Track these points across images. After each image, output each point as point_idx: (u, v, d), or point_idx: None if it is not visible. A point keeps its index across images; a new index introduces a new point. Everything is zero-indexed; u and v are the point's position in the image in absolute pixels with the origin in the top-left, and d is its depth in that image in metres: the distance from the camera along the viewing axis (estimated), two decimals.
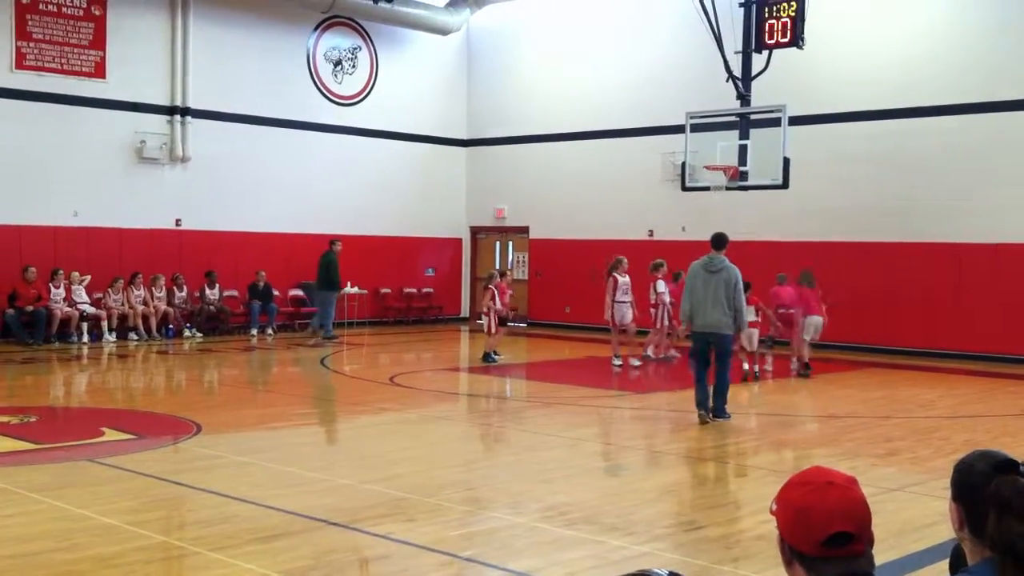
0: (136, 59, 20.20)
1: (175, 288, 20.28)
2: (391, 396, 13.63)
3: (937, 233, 18.47)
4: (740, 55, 16.87)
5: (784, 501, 2.16)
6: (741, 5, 16.79)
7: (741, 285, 11.25)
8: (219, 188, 21.16)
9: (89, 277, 19.08)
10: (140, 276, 19.52)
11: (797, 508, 2.12)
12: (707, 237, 11.83)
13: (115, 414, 11.66)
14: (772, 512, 2.19)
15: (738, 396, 12.92)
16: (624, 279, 16.37)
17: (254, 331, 20.69)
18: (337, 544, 6.49)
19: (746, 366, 14.88)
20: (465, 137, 25.85)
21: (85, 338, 18.65)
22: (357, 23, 23.68)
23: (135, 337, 19.29)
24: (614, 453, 10.16)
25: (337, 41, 23.47)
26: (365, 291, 22.80)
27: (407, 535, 6.59)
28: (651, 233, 22.14)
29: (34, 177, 18.84)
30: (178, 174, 20.82)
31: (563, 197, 23.68)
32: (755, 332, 14.93)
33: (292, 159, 22.36)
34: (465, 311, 25.82)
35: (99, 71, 19.73)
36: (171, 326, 20.02)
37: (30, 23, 18.86)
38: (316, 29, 23.05)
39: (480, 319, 17.91)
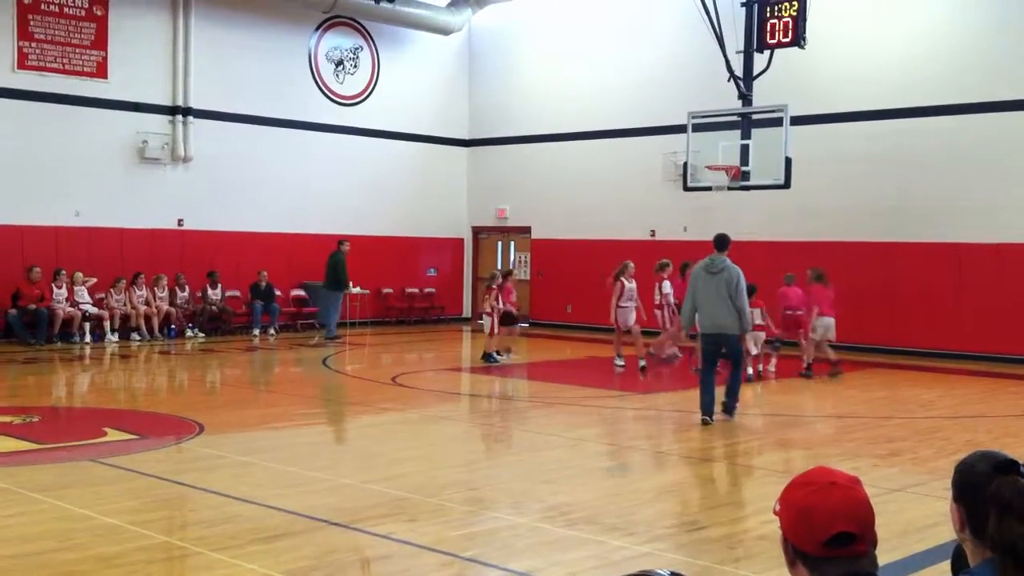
0: (138, 59, 20.21)
1: (177, 288, 20.29)
2: (393, 396, 13.64)
3: (938, 233, 18.47)
4: (742, 55, 16.87)
5: (787, 501, 2.16)
6: (743, 5, 16.80)
7: (744, 285, 11.24)
8: (221, 188, 21.17)
9: (95, 280, 19.11)
10: (142, 276, 19.53)
11: (800, 508, 2.13)
12: (709, 237, 11.83)
13: (117, 414, 11.67)
14: (776, 512, 2.20)
15: (741, 396, 12.89)
16: (630, 284, 16.34)
17: (256, 331, 20.71)
18: (339, 544, 6.50)
19: (750, 369, 14.88)
20: (467, 137, 25.85)
21: (87, 338, 18.66)
22: (358, 23, 23.68)
23: (137, 337, 19.30)
24: (616, 453, 10.16)
25: (339, 41, 23.48)
26: (367, 291, 22.81)
27: (409, 535, 6.59)
28: (653, 233, 22.14)
29: (36, 177, 18.86)
30: (180, 174, 20.84)
31: (565, 197, 23.68)
32: (760, 335, 14.93)
33: (294, 159, 22.37)
34: (467, 311, 25.82)
35: (101, 71, 19.74)
36: (173, 326, 20.03)
37: (32, 23, 18.87)
38: (318, 29, 23.06)
39: (481, 319, 17.90)
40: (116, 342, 18.88)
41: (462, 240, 26.05)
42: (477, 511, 7.46)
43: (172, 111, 20.73)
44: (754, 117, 16.74)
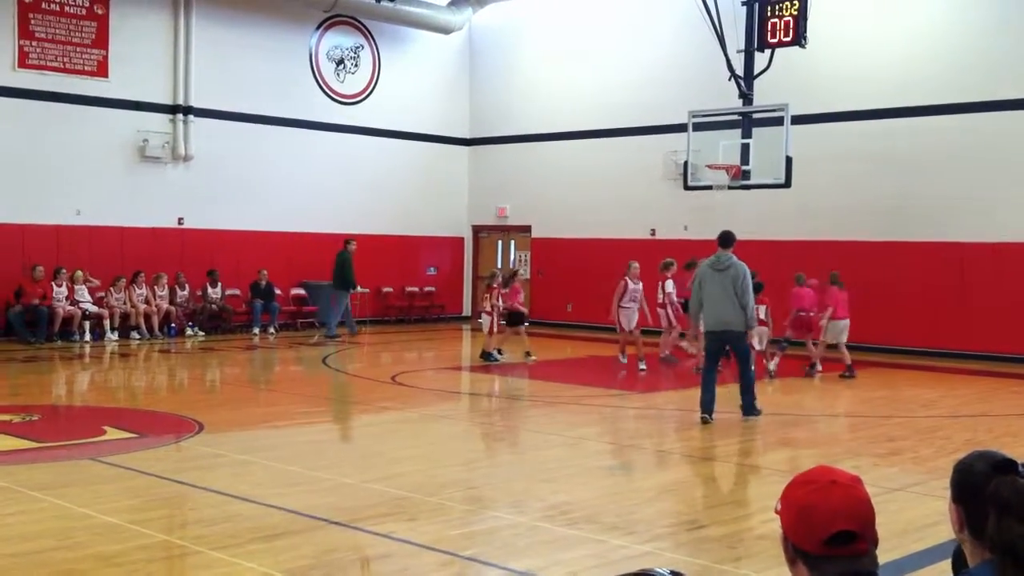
0: (139, 58, 20.21)
1: (177, 287, 20.29)
2: (393, 395, 13.64)
3: (939, 232, 18.46)
4: (742, 54, 16.86)
5: (788, 499, 2.16)
6: (743, 4, 16.79)
7: (749, 282, 11.24)
8: (221, 187, 21.17)
9: (98, 282, 19.12)
10: (142, 275, 19.53)
11: (800, 506, 2.12)
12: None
13: (117, 413, 11.66)
14: (777, 512, 2.19)
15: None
16: (634, 285, 16.29)
17: (256, 330, 20.71)
18: (338, 543, 6.49)
19: (770, 365, 14.86)
20: (467, 136, 25.85)
21: (87, 337, 18.66)
22: (359, 22, 23.68)
23: (137, 336, 19.30)
24: (616, 452, 10.16)
25: (339, 40, 23.47)
26: (367, 290, 22.81)
27: (408, 534, 6.59)
28: (653, 232, 22.13)
29: (37, 176, 18.85)
30: (180, 173, 20.84)
31: (565, 196, 23.68)
32: (765, 331, 14.92)
33: (294, 158, 22.37)
34: (467, 310, 25.81)
35: (102, 70, 19.74)
36: (173, 325, 20.03)
37: (33, 22, 18.87)
38: (318, 28, 23.06)
39: (480, 318, 17.89)
40: (116, 341, 18.88)
41: (462, 239, 26.04)
42: (477, 510, 7.46)
43: (173, 110, 20.73)
44: (755, 116, 16.73)
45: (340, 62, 23.48)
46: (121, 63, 19.94)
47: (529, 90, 24.56)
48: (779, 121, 16.05)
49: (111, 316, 19.07)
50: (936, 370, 16.79)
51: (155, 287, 19.81)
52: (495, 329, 16.93)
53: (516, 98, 24.84)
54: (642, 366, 15.96)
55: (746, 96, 16.84)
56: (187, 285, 20.44)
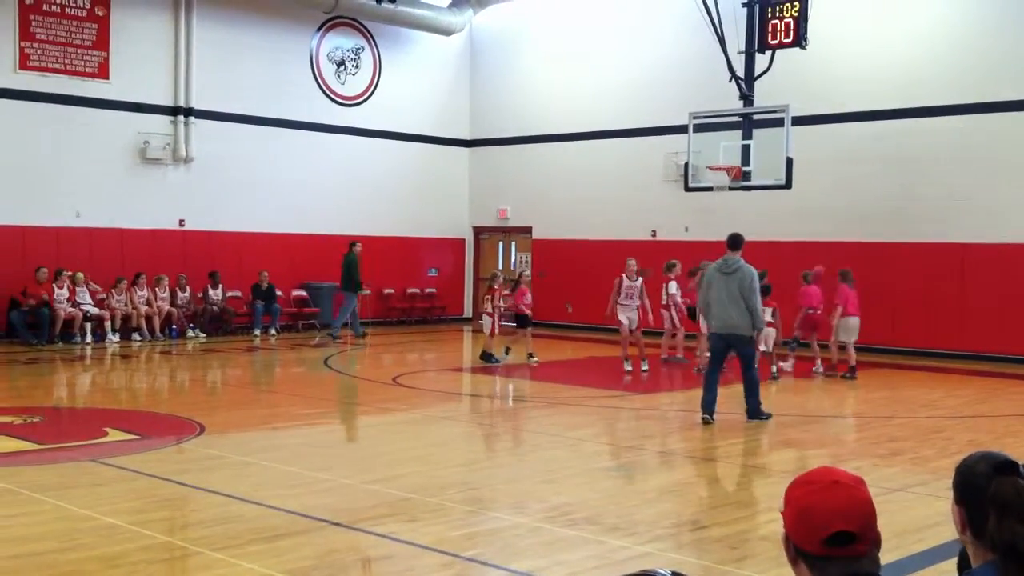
0: (139, 60, 20.22)
1: (178, 288, 20.30)
2: (394, 396, 13.64)
3: (940, 233, 18.46)
4: (743, 55, 16.87)
5: (789, 499, 2.16)
6: (744, 5, 16.80)
7: (757, 285, 11.24)
8: (222, 189, 21.19)
9: (99, 288, 19.11)
10: (143, 276, 19.54)
11: (801, 507, 2.12)
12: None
13: (118, 414, 11.67)
14: (781, 512, 2.19)
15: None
16: (629, 282, 16.19)
17: (257, 331, 20.71)
18: (339, 544, 6.50)
19: (774, 368, 14.87)
20: (468, 137, 25.85)
21: (88, 338, 18.66)
22: (360, 23, 23.69)
23: (138, 338, 19.31)
24: (617, 453, 10.16)
25: (340, 42, 23.49)
26: (368, 291, 22.81)
27: (409, 535, 6.59)
28: (654, 233, 22.13)
29: (37, 178, 18.87)
30: (181, 175, 20.85)
31: (566, 197, 23.69)
32: (772, 332, 14.91)
33: (295, 160, 22.38)
34: (468, 311, 25.82)
35: (102, 72, 19.75)
36: (174, 326, 20.04)
37: (33, 24, 18.89)
38: (319, 30, 23.07)
39: (481, 319, 17.89)
40: (117, 342, 18.89)
41: (463, 240, 26.05)
42: (478, 511, 7.46)
43: (173, 112, 20.74)
44: (755, 117, 16.73)
45: (341, 64, 23.50)
46: (122, 65, 19.95)
47: (530, 91, 24.57)
48: (780, 122, 16.05)
49: (112, 318, 19.07)
50: (937, 371, 16.78)
51: (156, 289, 19.82)
52: (496, 330, 16.92)
53: (517, 99, 24.85)
54: (644, 367, 15.94)
55: (747, 97, 16.84)
56: (188, 287, 20.44)
